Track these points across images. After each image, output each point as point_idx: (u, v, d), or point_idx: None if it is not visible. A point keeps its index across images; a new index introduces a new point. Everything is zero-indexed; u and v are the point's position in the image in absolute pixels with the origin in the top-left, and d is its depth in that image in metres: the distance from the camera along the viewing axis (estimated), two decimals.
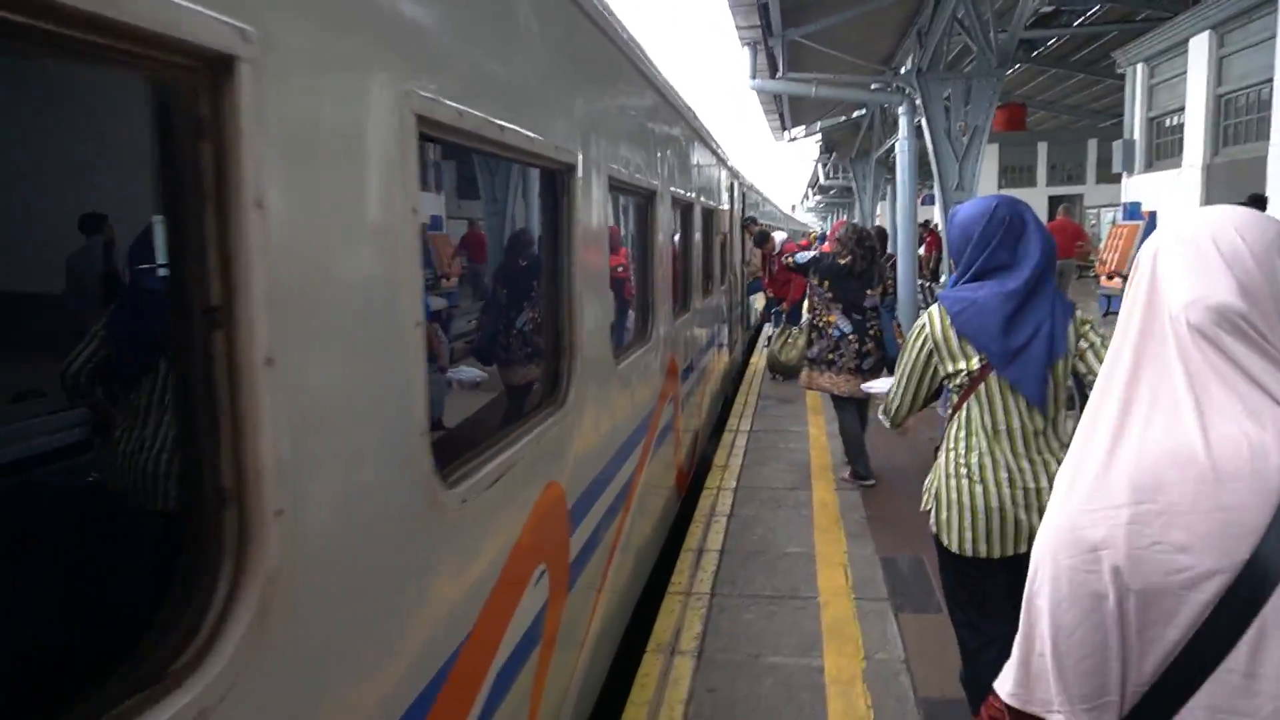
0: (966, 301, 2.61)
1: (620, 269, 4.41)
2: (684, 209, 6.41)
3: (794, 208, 57.46)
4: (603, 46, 3.49)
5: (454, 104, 1.86)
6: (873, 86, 10.89)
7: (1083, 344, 2.64)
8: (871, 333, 6.00)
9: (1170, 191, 15.09)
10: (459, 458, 2.06)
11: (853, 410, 6.17)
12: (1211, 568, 0.97)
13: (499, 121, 2.14)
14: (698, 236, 7.04)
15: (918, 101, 9.17)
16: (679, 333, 5.94)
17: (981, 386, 2.61)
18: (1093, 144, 29.65)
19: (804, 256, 6.80)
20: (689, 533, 5.35)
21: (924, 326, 2.71)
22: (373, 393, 1.56)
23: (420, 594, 1.76)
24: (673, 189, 5.35)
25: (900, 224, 10.68)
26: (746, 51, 9.65)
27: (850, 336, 6.00)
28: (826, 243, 12.32)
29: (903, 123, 10.17)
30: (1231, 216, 1.08)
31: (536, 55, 2.63)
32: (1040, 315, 2.55)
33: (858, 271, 6.02)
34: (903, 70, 10.34)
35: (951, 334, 2.63)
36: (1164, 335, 1.05)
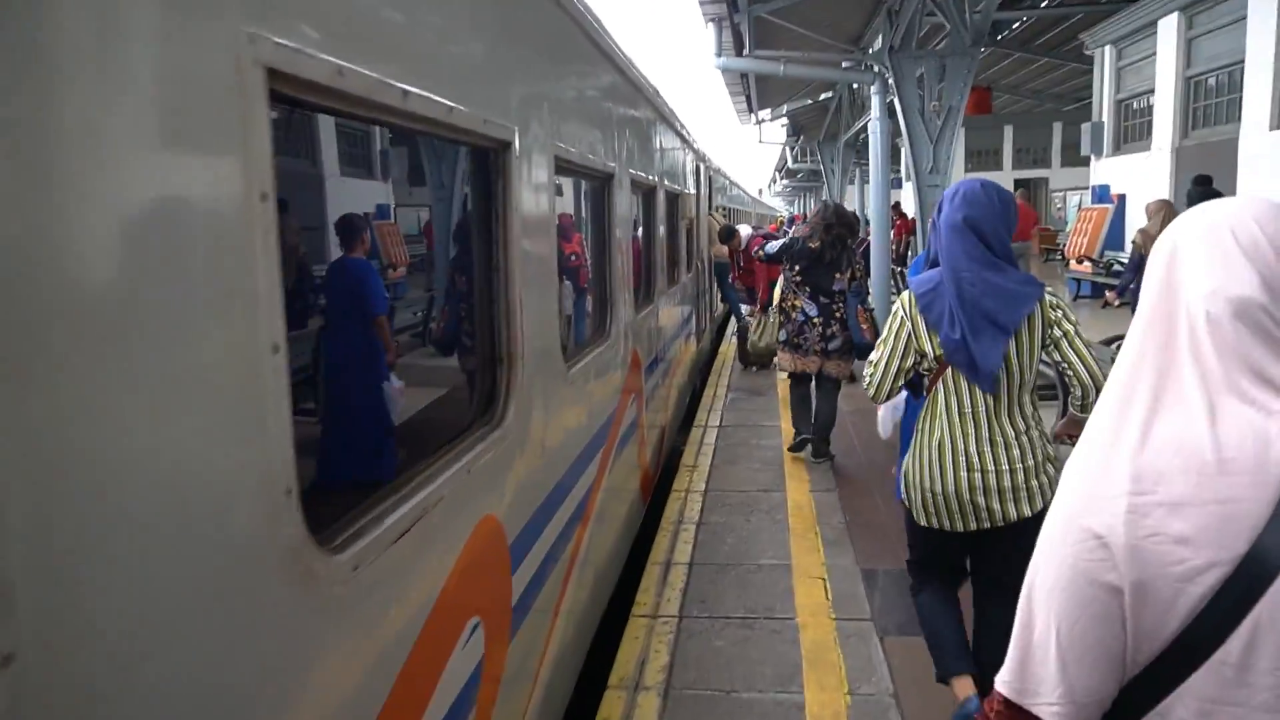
0: (929, 285, 2.66)
1: (573, 259, 3.99)
2: (646, 193, 5.99)
3: (761, 192, 57.29)
4: (548, 10, 3.06)
5: (330, 58, 1.43)
6: (843, 65, 10.47)
7: (1055, 332, 2.61)
8: (837, 315, 6.01)
9: (1140, 174, 14.97)
10: (350, 511, 1.64)
11: (806, 386, 6.30)
12: (1210, 560, 0.96)
13: (402, 85, 1.71)
14: (662, 222, 6.63)
15: (890, 80, 8.79)
16: (642, 325, 5.54)
17: (949, 370, 2.67)
18: (1058, 127, 29.62)
19: (774, 246, 6.46)
20: (655, 544, 4.97)
21: (899, 309, 2.77)
22: (196, 452, 1.13)
23: (288, 706, 1.34)
24: (633, 171, 4.93)
25: (873, 207, 10.33)
26: (711, 28, 9.19)
27: (815, 320, 6.02)
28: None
29: (874, 102, 9.79)
30: (1250, 208, 1.06)
31: (461, 11, 2.20)
32: (992, 302, 2.54)
33: (827, 260, 5.98)
34: (873, 49, 9.96)
35: (919, 317, 2.68)
36: (1176, 327, 1.04)
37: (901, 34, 8.56)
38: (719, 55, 9.45)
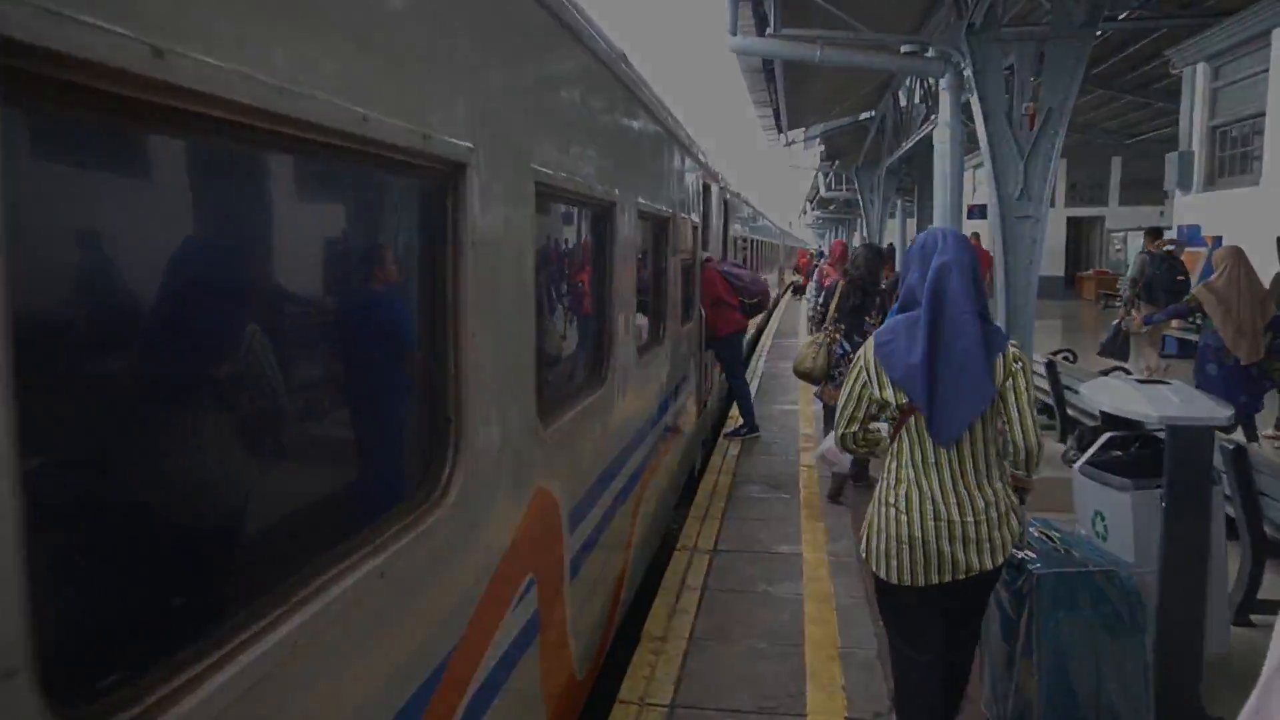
0: (891, 334, 2.67)
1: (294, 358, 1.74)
2: (598, 214, 3.77)
3: (791, 223, 55.18)
4: None
5: None
6: (903, 49, 8.13)
7: (1007, 383, 2.61)
8: None
9: (1242, 213, 12.51)
10: None
11: None
12: None
13: None
14: (630, 260, 4.38)
15: (966, 72, 6.53)
16: (577, 432, 3.30)
17: (912, 419, 2.64)
18: (1117, 162, 27.18)
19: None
20: None
21: (859, 358, 2.75)
22: None
23: None
24: (566, 175, 2.70)
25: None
26: None
27: (851, 356, 5.82)
28: (826, 262, 11.82)
29: (945, 101, 7.48)
30: None
31: None
32: (962, 357, 2.56)
33: (853, 304, 6.14)
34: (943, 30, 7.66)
35: (879, 366, 2.67)
36: None
37: (985, 10, 6.30)
38: (734, 33, 7.21)
